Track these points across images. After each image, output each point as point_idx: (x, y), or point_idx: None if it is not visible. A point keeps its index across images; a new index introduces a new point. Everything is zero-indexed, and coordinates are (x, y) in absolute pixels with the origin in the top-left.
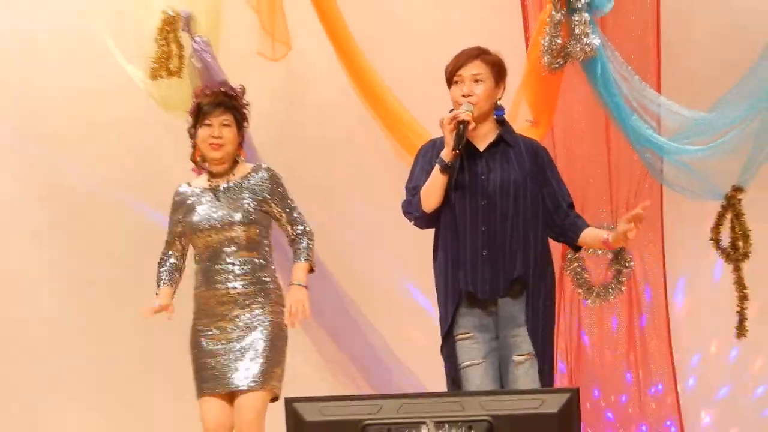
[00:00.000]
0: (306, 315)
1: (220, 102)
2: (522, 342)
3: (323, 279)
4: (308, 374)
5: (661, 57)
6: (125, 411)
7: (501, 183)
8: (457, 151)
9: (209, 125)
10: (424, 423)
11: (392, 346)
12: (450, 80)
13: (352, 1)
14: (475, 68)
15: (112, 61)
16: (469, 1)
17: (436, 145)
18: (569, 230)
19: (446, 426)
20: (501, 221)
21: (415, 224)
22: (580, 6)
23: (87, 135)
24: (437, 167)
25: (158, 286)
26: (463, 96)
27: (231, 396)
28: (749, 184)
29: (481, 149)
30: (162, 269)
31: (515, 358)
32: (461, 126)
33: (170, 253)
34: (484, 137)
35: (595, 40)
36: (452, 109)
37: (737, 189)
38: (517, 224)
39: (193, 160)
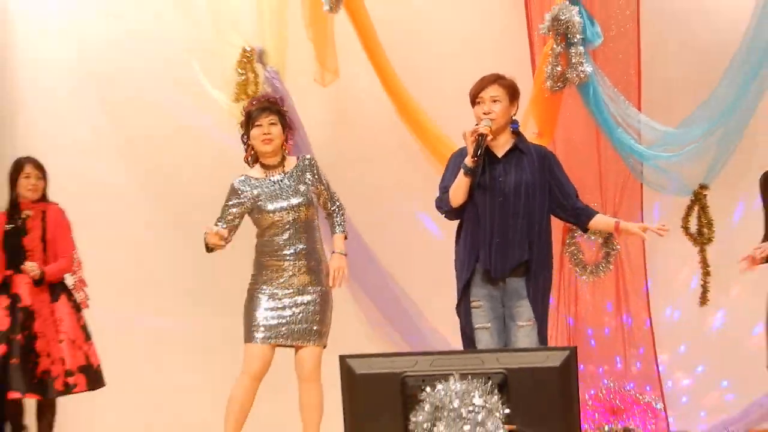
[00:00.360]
0: (346, 280)
1: (266, 107)
2: (524, 311)
3: (370, 261)
4: (358, 336)
5: (641, 82)
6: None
7: (515, 184)
8: (477, 159)
9: (259, 125)
10: (451, 374)
11: (425, 312)
12: (473, 101)
13: (392, 41)
14: (493, 91)
15: (200, 89)
16: (488, 37)
17: (463, 153)
18: (583, 214)
19: (469, 377)
20: (512, 216)
21: (445, 217)
22: (575, 41)
23: (182, 142)
24: (462, 171)
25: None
26: (484, 114)
27: (273, 348)
28: (713, 183)
29: (500, 156)
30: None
31: (518, 323)
32: (480, 138)
33: (220, 224)
34: (502, 146)
35: (588, 68)
36: (477, 124)
37: (703, 186)
38: (525, 219)
39: (246, 160)
